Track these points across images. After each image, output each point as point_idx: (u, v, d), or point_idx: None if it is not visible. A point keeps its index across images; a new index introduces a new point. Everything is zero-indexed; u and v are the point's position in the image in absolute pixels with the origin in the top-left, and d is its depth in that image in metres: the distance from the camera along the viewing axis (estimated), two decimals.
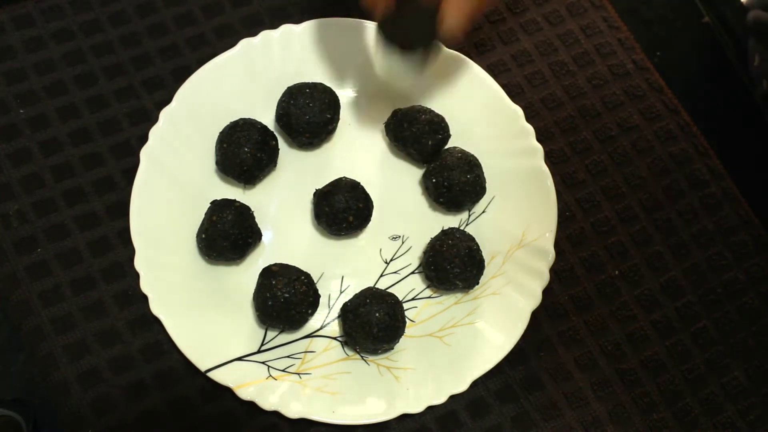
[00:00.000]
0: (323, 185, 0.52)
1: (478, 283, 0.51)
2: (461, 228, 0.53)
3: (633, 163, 0.56)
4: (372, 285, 0.51)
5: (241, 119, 0.52)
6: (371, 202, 0.52)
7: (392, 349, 0.49)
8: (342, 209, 0.50)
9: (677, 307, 0.53)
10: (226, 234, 0.49)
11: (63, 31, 0.56)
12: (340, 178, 0.51)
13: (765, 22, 0.55)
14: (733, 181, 0.56)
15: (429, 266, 0.50)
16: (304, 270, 0.50)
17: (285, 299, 0.47)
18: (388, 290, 0.51)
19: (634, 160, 0.57)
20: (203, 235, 0.49)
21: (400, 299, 0.50)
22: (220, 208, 0.49)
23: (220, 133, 0.52)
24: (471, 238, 0.50)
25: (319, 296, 0.50)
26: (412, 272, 0.52)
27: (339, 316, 0.50)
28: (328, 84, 0.54)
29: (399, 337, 0.49)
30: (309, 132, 0.52)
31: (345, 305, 0.49)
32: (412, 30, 0.46)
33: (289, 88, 0.53)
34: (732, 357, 0.52)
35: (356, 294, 0.50)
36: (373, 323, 0.47)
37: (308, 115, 0.52)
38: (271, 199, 0.53)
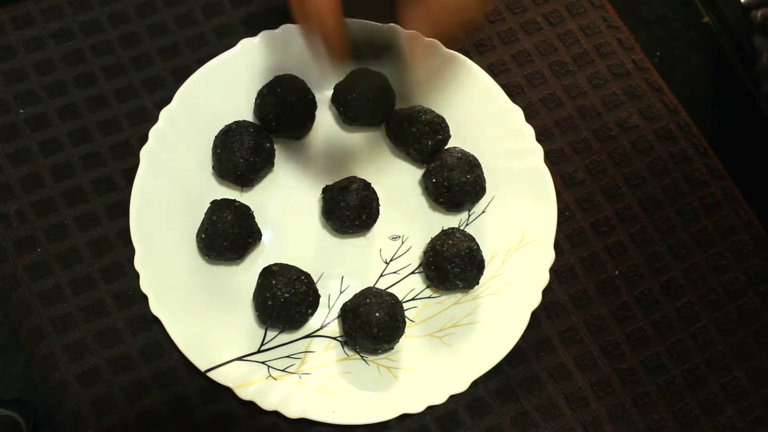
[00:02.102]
0: (324, 185, 0.52)
1: (478, 283, 0.51)
2: (461, 228, 0.53)
3: (633, 163, 0.56)
4: (372, 285, 0.51)
5: (234, 123, 0.52)
6: (379, 202, 0.52)
7: (392, 349, 0.49)
8: (357, 206, 0.50)
9: (677, 307, 0.53)
10: (226, 234, 0.49)
11: (63, 31, 0.56)
12: (353, 177, 0.51)
13: None
14: (733, 181, 0.57)
15: (429, 266, 0.50)
16: (304, 270, 0.50)
17: (285, 299, 0.47)
18: (388, 290, 0.51)
19: (634, 159, 0.57)
20: (203, 235, 0.49)
21: (400, 299, 0.50)
22: (219, 208, 0.49)
23: (215, 137, 0.52)
24: (471, 238, 0.50)
25: (319, 296, 0.50)
26: (412, 272, 0.52)
27: (339, 316, 0.50)
28: (328, 84, 0.54)
29: (399, 337, 0.49)
30: (282, 128, 0.52)
31: (345, 305, 0.49)
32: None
33: (259, 90, 0.53)
34: (732, 357, 0.53)
35: (356, 294, 0.49)
36: (373, 323, 0.47)
37: (282, 112, 0.52)
38: (270, 199, 0.53)
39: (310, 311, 0.49)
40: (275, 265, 0.49)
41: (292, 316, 0.48)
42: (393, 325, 0.48)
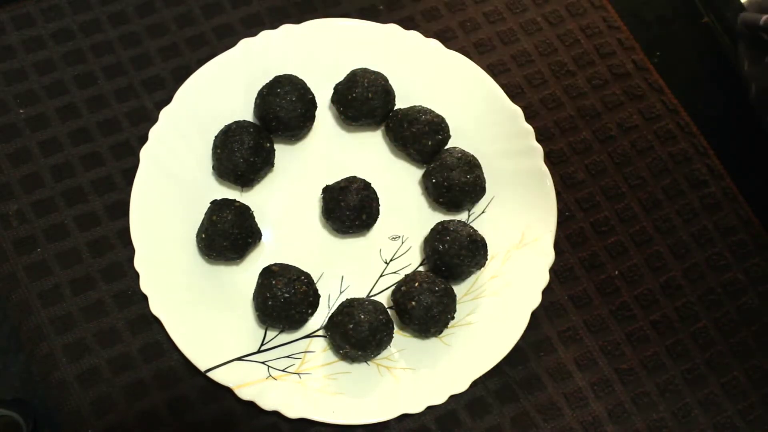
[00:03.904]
0: (324, 185, 0.52)
1: (487, 259, 0.51)
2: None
3: (633, 163, 0.56)
4: (372, 285, 0.51)
5: (234, 123, 0.52)
6: (379, 202, 0.52)
7: (367, 357, 0.49)
8: (357, 206, 0.50)
9: (677, 307, 0.53)
10: (226, 234, 0.49)
11: (63, 31, 0.56)
12: (353, 177, 0.51)
13: (752, 24, 0.55)
14: (733, 181, 0.57)
15: (439, 269, 0.50)
16: (304, 270, 0.50)
17: (285, 299, 0.47)
18: (389, 289, 0.51)
19: (634, 160, 0.57)
20: (203, 235, 0.49)
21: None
22: (219, 208, 0.49)
23: (215, 137, 0.52)
24: (463, 224, 0.50)
25: (319, 296, 0.50)
26: None
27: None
28: (328, 84, 0.54)
29: (369, 351, 0.48)
30: (282, 128, 0.52)
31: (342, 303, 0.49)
32: None
33: (259, 90, 0.53)
34: (732, 357, 0.53)
35: (356, 297, 0.49)
36: (348, 322, 0.47)
37: (282, 112, 0.52)
38: (270, 199, 0.53)
39: (310, 311, 0.49)
40: (275, 265, 0.49)
41: (292, 316, 0.48)
42: (366, 337, 0.47)
